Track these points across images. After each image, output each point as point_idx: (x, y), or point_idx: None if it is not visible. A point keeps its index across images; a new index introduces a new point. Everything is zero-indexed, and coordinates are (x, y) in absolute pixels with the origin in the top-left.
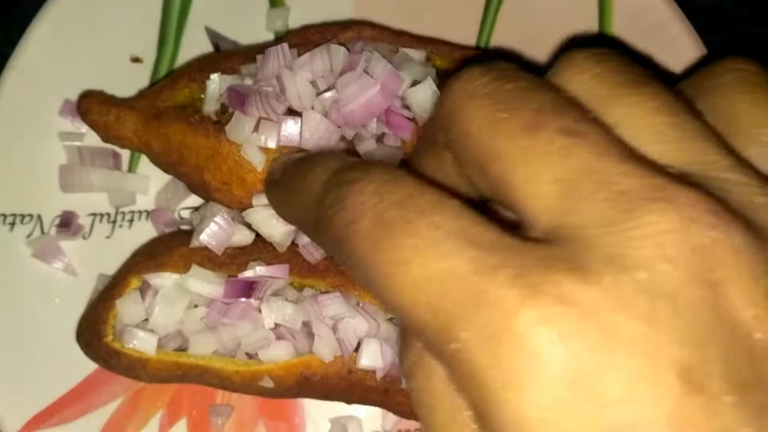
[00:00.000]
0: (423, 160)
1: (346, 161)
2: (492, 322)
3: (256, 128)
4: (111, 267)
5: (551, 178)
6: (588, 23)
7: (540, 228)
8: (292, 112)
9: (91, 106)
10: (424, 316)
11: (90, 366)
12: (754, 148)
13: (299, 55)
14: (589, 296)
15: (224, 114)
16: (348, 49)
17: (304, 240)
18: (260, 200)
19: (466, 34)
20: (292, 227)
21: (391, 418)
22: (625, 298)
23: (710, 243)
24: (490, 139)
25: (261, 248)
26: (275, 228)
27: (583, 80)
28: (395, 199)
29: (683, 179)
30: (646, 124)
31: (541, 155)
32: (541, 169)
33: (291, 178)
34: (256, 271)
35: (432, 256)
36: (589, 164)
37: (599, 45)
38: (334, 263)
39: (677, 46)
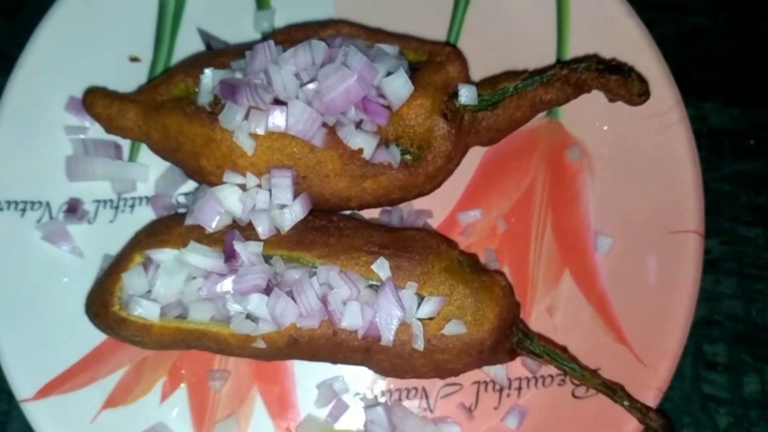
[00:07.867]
0: None
1: None
2: None
3: (246, 117)
4: (115, 249)
5: None
6: (547, 17)
7: None
8: (278, 102)
9: (96, 99)
10: None
11: (98, 338)
12: None
13: (284, 50)
14: None
15: (217, 105)
16: (328, 45)
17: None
18: (230, 178)
19: (436, 31)
20: (250, 206)
21: (375, 380)
22: None
23: None
24: None
25: (251, 226)
26: (236, 205)
27: None
28: None
29: None
30: None
31: None
32: None
33: None
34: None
35: None
36: None
37: None
38: (319, 236)
39: (627, 38)
